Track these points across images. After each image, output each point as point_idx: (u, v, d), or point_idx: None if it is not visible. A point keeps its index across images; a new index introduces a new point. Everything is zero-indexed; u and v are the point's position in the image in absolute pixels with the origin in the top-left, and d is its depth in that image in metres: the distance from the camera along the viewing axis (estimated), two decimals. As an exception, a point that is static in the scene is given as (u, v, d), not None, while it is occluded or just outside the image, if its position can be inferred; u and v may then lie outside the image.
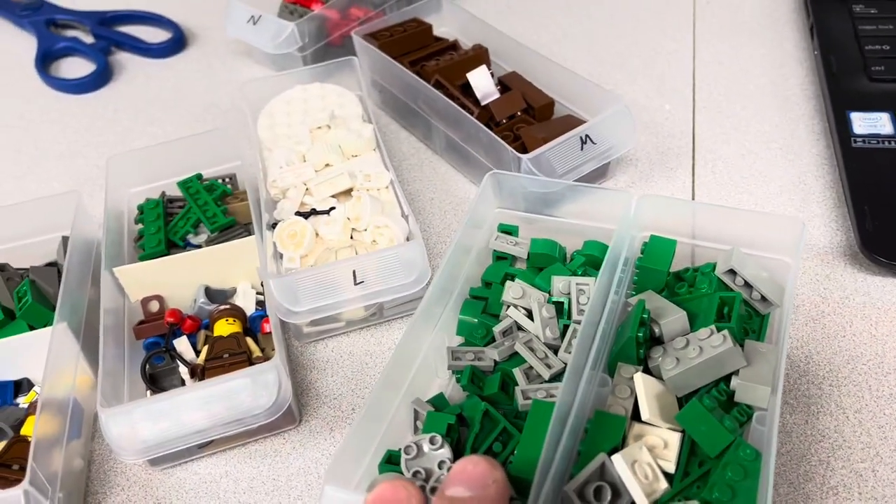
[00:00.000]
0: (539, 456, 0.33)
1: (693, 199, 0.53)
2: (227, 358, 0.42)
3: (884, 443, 0.39)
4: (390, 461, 0.37)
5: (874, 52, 0.59)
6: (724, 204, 0.52)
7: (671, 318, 0.39)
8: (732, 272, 0.40)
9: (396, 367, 0.39)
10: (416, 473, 0.35)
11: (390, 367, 0.38)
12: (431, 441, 0.36)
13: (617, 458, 0.34)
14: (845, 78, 0.57)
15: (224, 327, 0.44)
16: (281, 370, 0.39)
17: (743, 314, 0.40)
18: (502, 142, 0.49)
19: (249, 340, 0.44)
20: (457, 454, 0.36)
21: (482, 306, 0.45)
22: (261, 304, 0.47)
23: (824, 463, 0.38)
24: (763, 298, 0.40)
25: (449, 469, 0.35)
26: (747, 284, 0.40)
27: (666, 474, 0.34)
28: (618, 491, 0.34)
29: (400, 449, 0.36)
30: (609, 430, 0.36)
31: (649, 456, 0.34)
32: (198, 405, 0.38)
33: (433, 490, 0.34)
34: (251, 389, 0.38)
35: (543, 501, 0.31)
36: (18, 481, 0.36)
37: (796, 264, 0.40)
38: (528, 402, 0.38)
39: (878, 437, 0.39)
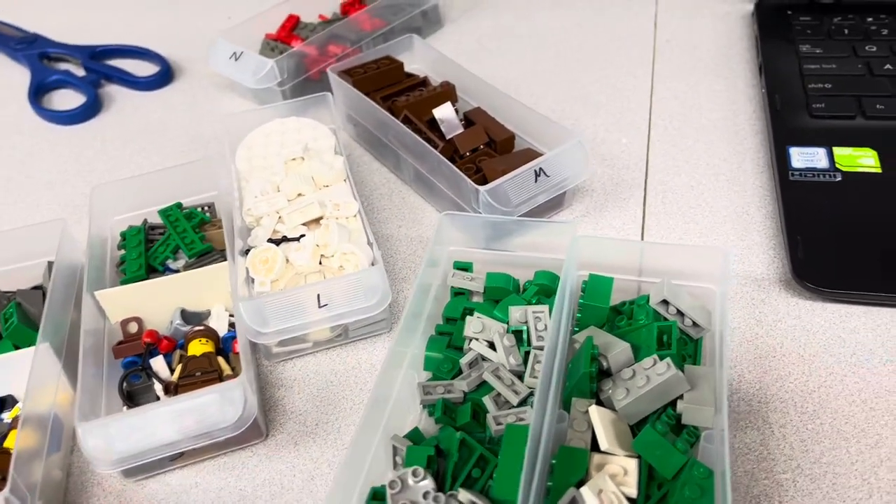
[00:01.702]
0: (518, 477, 0.35)
1: (643, 227, 0.56)
2: (199, 376, 0.45)
3: (804, 455, 0.42)
4: (375, 498, 0.38)
5: (816, 90, 0.62)
6: (671, 232, 0.55)
7: (617, 351, 0.41)
8: (665, 302, 0.43)
9: (375, 408, 0.40)
10: None
11: (369, 408, 0.39)
12: (414, 474, 0.37)
13: (585, 491, 0.36)
14: (788, 114, 0.61)
15: (198, 347, 0.47)
16: (247, 387, 0.42)
17: (677, 340, 0.43)
18: (462, 174, 0.53)
19: (221, 360, 0.47)
20: (437, 484, 0.38)
21: (447, 341, 0.47)
22: (233, 325, 0.50)
23: (749, 474, 0.41)
24: (694, 324, 0.43)
25: (434, 499, 0.37)
26: (679, 313, 0.43)
27: (629, 499, 0.36)
28: None
29: (382, 485, 0.38)
30: (574, 463, 0.38)
31: (612, 484, 0.36)
32: (169, 419, 0.41)
33: None
34: (219, 404, 0.41)
35: None
36: (-1, 490, 0.39)
37: (721, 290, 0.43)
38: (500, 427, 0.40)
39: (800, 449, 0.42)
